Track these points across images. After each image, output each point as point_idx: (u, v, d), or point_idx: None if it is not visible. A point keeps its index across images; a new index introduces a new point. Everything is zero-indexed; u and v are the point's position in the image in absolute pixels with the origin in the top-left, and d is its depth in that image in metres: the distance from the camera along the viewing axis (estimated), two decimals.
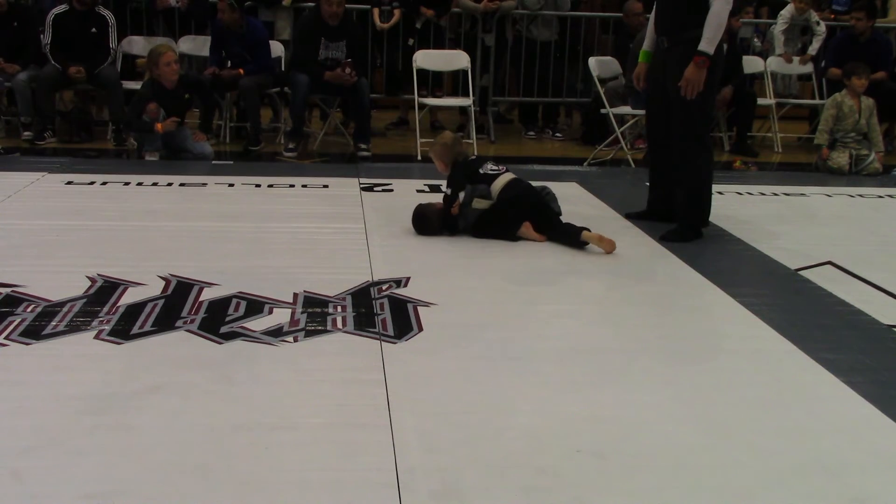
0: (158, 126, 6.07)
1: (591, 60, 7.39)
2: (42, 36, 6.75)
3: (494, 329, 3.10)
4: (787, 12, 8.26)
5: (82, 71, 6.65)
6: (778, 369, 2.87)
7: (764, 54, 8.40)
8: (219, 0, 6.77)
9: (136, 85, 6.69)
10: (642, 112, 6.09)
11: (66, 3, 6.73)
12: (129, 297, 3.26)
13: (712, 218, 4.69)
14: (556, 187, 4.29)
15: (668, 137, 4.56)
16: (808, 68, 8.30)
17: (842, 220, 5.18)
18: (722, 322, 3.37)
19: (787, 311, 3.42)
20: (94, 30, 6.76)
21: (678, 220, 4.55)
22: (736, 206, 5.36)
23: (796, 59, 8.26)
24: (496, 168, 4.40)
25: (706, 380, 2.75)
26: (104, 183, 5.34)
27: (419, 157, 6.76)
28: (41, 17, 6.88)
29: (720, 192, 5.33)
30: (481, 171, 4.37)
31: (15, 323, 2.96)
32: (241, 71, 6.75)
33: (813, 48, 8.27)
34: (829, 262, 4.15)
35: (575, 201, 4.33)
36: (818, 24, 8.31)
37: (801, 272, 4.01)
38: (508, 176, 4.36)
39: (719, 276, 3.85)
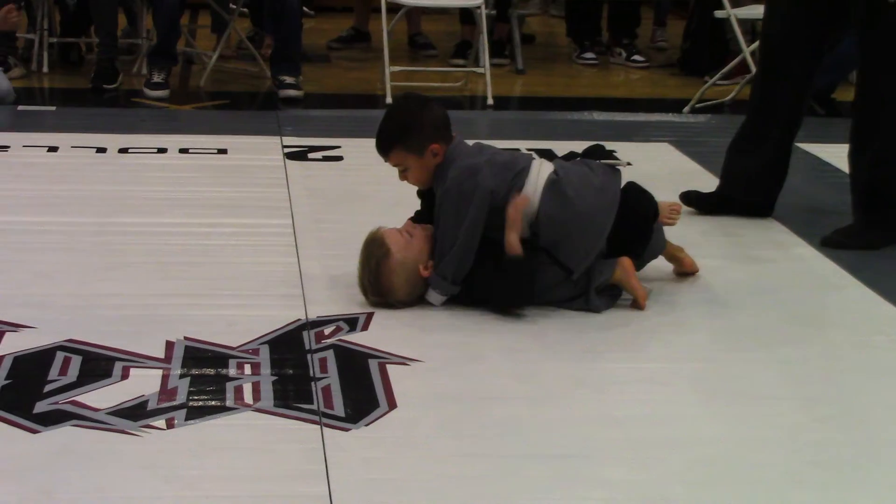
0: None
1: None
2: None
3: (520, 405, 2.71)
4: None
5: None
6: None
7: None
8: None
9: None
10: None
11: None
12: None
13: None
14: (639, 149, 4.16)
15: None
16: None
17: None
18: None
19: None
20: None
21: (859, 212, 3.93)
22: None
23: None
24: None
25: None
26: None
27: (389, 100, 6.01)
28: None
29: None
30: None
31: None
32: None
33: None
34: None
35: (667, 173, 4.19)
36: None
37: None
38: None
39: None
